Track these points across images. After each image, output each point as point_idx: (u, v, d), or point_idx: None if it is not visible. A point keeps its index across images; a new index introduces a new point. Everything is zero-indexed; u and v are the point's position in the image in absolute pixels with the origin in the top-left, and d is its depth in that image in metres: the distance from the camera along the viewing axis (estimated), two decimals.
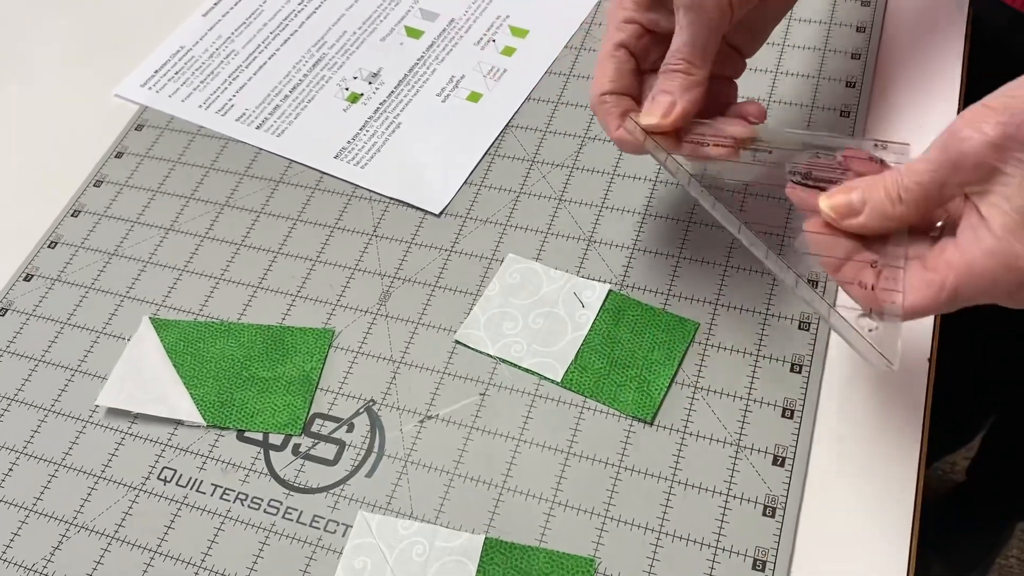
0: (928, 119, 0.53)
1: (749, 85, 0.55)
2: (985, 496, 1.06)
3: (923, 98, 0.54)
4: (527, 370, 0.47)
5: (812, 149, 0.40)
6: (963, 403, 1.00)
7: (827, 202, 0.36)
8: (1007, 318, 0.83)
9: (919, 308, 0.34)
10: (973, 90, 0.55)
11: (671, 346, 0.46)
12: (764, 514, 0.41)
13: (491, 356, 0.47)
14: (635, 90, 0.44)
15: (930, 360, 0.45)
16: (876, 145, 0.40)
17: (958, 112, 0.52)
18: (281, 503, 0.44)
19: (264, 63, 0.63)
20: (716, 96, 0.44)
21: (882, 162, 0.38)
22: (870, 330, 0.36)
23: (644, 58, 0.44)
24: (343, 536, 0.43)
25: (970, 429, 1.07)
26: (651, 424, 0.44)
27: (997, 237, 0.32)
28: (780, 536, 0.40)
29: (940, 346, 0.46)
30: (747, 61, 0.46)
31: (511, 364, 0.47)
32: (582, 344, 0.47)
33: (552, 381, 0.46)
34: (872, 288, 0.35)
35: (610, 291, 0.48)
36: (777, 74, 0.56)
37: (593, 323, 0.47)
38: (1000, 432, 1.00)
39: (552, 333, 0.47)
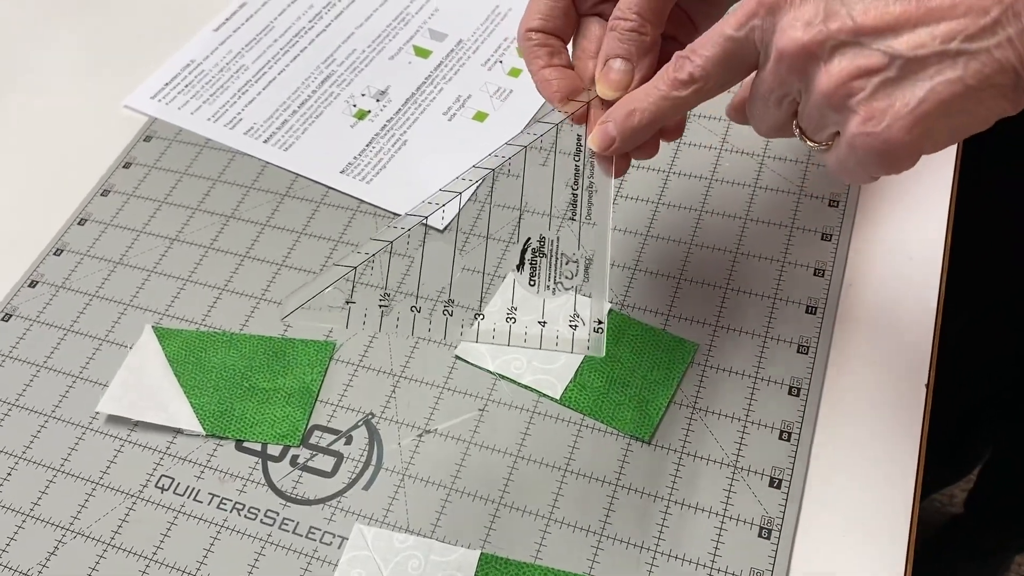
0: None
1: (743, 137, 0.55)
2: (982, 528, 1.06)
3: None
4: (526, 387, 0.47)
5: None
6: (961, 435, 1.00)
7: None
8: (1005, 351, 0.83)
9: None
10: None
11: (670, 366, 0.46)
12: (760, 535, 0.41)
13: (491, 372, 0.47)
14: (566, 31, 0.42)
15: (927, 386, 0.45)
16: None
17: (956, 154, 0.52)
18: (278, 514, 0.44)
19: (274, 78, 0.64)
20: (664, 59, 0.41)
21: None
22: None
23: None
24: (339, 548, 0.43)
25: (968, 461, 1.07)
26: (649, 443, 0.44)
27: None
28: (775, 558, 0.40)
29: (938, 378, 0.46)
30: None
31: (511, 380, 0.47)
32: (582, 362, 0.47)
33: (551, 398, 0.46)
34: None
35: (611, 310, 0.49)
36: None
37: None
38: (998, 464, 1.00)
39: (552, 351, 0.48)
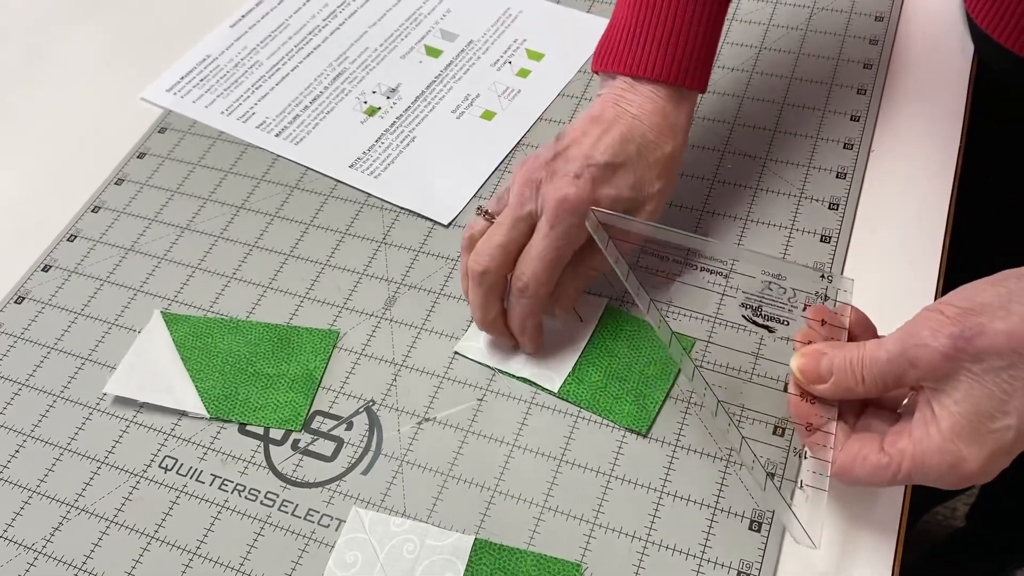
0: (928, 169, 0.54)
1: (746, 139, 0.56)
2: (984, 542, 1.05)
3: (922, 161, 0.55)
4: (525, 380, 0.47)
5: (764, 278, 0.44)
6: None
7: (796, 363, 0.40)
8: None
9: (874, 483, 0.38)
10: (975, 137, 0.56)
11: (667, 361, 0.47)
12: (750, 528, 0.42)
13: (490, 367, 0.48)
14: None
15: None
16: (822, 276, 0.43)
17: (956, 162, 0.53)
18: (278, 496, 0.45)
19: (287, 74, 0.65)
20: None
21: (826, 297, 0.43)
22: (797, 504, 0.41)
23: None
24: (336, 531, 0.44)
25: None
26: (644, 436, 0.45)
27: (944, 438, 0.36)
28: (765, 550, 0.41)
29: None
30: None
31: (509, 375, 0.48)
32: (580, 356, 0.48)
33: (549, 392, 0.47)
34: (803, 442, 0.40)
35: (607, 305, 0.49)
36: (775, 133, 0.57)
37: (591, 336, 0.48)
38: (1000, 478, 1.00)
39: (551, 345, 0.48)
